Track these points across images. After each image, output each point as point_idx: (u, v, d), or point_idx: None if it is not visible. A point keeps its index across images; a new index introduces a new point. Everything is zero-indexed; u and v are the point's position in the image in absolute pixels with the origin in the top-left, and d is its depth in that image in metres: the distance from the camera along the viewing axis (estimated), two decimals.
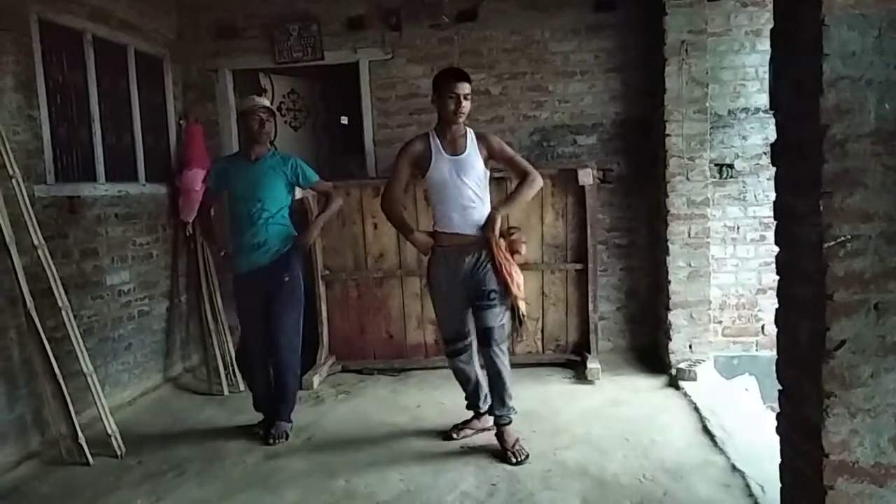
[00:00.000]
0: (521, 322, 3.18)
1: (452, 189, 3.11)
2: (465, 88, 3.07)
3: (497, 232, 3.09)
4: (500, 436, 3.17)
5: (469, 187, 3.09)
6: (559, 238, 4.58)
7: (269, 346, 3.47)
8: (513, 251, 3.20)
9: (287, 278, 3.42)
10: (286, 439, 3.42)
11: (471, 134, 3.16)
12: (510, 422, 3.18)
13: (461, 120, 3.11)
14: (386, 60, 4.88)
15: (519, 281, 3.12)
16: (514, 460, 3.04)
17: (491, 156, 3.16)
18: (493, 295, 3.08)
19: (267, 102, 3.55)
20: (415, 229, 3.30)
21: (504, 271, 3.06)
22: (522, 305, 3.18)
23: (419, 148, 3.17)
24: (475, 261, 3.10)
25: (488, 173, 3.19)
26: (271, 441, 3.38)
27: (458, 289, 3.15)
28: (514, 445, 3.11)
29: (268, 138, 3.50)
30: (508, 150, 3.22)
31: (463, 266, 3.11)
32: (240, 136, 4.79)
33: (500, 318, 3.11)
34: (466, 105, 3.09)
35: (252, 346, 3.54)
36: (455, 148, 3.14)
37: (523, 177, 3.15)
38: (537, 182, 3.14)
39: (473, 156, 3.12)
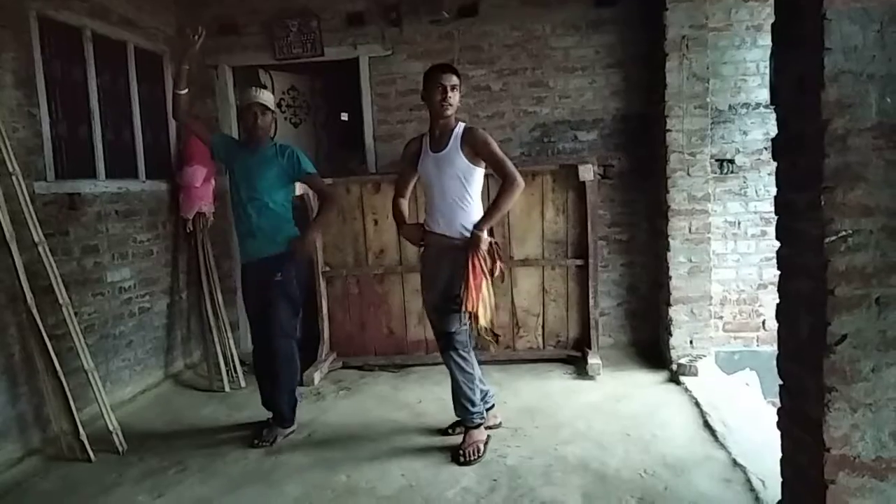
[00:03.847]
0: (478, 334, 3.05)
1: (437, 187, 3.06)
2: (451, 80, 3.00)
3: (482, 249, 2.97)
4: (463, 434, 3.16)
5: (452, 187, 3.01)
6: (560, 234, 4.58)
7: (263, 344, 3.42)
8: (491, 269, 3.03)
9: (279, 277, 3.32)
10: (271, 444, 3.32)
11: (459, 130, 3.04)
12: (477, 425, 3.14)
13: (448, 112, 3.01)
14: (386, 56, 4.87)
15: (486, 300, 2.98)
16: (460, 459, 3.01)
17: (476, 153, 3.00)
18: (457, 300, 2.99)
19: (264, 96, 3.45)
20: (405, 221, 3.24)
21: (471, 285, 2.94)
22: (483, 320, 2.99)
23: (415, 146, 3.19)
24: (451, 266, 3.01)
25: (477, 171, 3.04)
26: (255, 442, 3.32)
27: (434, 289, 3.12)
28: (467, 446, 3.07)
29: (264, 133, 3.42)
30: (494, 148, 3.00)
31: (440, 269, 3.07)
32: (239, 129, 4.79)
33: (456, 325, 3.04)
34: (453, 97, 3.01)
35: (254, 340, 3.55)
36: (439, 144, 3.06)
37: (502, 182, 2.96)
38: (516, 189, 2.94)
39: (454, 153, 3.00)
